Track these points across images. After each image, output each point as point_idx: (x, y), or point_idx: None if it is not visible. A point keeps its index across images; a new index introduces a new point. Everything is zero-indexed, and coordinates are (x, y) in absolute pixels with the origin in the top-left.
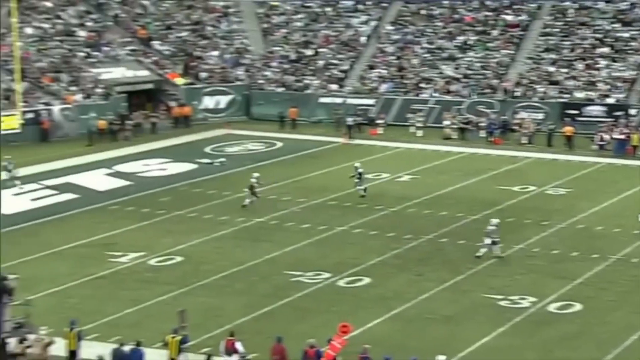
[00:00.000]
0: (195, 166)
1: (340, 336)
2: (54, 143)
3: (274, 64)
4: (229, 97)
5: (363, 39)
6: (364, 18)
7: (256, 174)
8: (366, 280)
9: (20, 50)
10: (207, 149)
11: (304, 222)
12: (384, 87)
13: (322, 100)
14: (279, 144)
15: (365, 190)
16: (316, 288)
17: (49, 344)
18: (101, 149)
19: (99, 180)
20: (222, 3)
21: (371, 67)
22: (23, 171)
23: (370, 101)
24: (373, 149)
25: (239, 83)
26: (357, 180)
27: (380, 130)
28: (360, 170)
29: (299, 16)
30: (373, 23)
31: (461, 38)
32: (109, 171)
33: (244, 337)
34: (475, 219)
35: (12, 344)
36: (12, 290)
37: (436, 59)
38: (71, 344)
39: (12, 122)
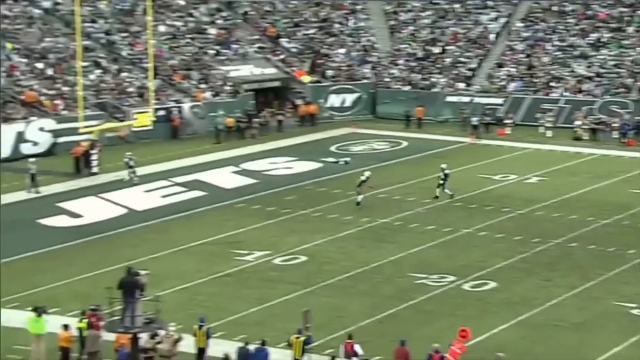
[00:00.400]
0: (320, 165)
1: (459, 341)
2: (183, 140)
3: (401, 61)
4: (354, 96)
5: (492, 37)
6: (493, 15)
7: (367, 173)
8: (492, 284)
9: (154, 48)
10: (332, 148)
11: (429, 224)
12: (512, 86)
13: (449, 99)
14: (405, 144)
15: (452, 195)
16: (441, 291)
17: (178, 340)
18: (228, 147)
19: (226, 178)
20: (350, 0)
21: (500, 65)
22: (153, 168)
23: (499, 100)
24: (500, 149)
25: (365, 81)
26: (441, 182)
27: (508, 130)
28: (446, 171)
29: (427, 13)
30: (502, 20)
31: (594, 35)
32: (236, 169)
33: (367, 339)
34: (606, 223)
35: (144, 339)
36: (144, 286)
37: (567, 57)
38: (200, 342)
39: (145, 119)
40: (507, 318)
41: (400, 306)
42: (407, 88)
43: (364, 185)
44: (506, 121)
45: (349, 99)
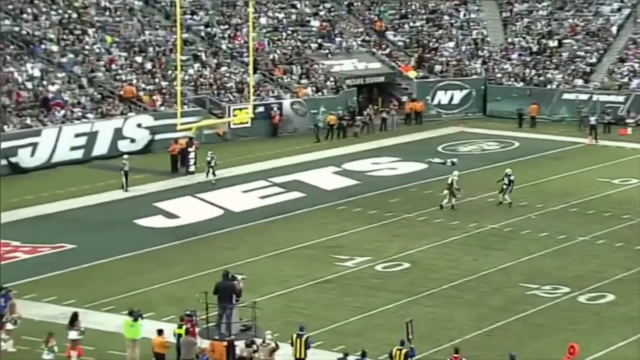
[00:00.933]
0: (425, 166)
1: (568, 358)
2: (283, 138)
3: (514, 56)
4: (464, 92)
5: (614, 29)
6: (615, 5)
7: (456, 172)
8: (610, 297)
9: (254, 41)
10: (439, 148)
11: (542, 230)
12: (635, 83)
13: (566, 96)
14: (516, 144)
15: (510, 203)
16: (553, 303)
17: (275, 349)
18: (330, 146)
19: (327, 179)
20: None
21: (622, 61)
22: (251, 167)
23: (620, 98)
24: (621, 151)
25: (475, 77)
26: (504, 187)
27: (630, 131)
28: (511, 177)
29: (543, 4)
30: (626, 11)
31: None
32: (337, 169)
33: (474, 352)
34: None
35: (240, 347)
36: (240, 292)
37: None
38: (299, 351)
39: (243, 116)
40: (626, 334)
41: (509, 318)
42: (520, 84)
43: (453, 188)
44: (628, 121)
45: (458, 95)
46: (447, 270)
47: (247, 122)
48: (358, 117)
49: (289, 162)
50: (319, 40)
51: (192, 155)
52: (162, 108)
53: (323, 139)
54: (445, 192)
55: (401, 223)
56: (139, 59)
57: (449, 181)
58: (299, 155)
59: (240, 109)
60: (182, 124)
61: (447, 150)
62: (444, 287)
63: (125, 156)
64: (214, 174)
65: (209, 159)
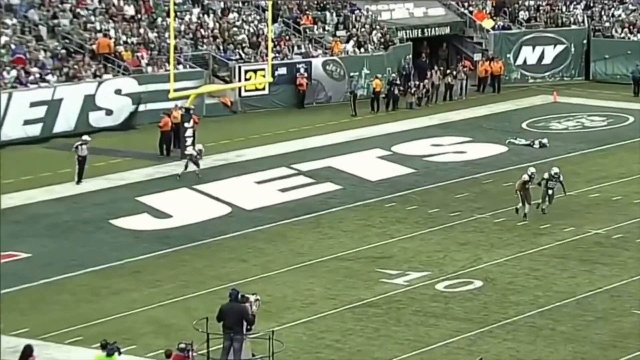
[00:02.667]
0: (505, 149)
1: None
2: (312, 110)
3: None
4: (558, 48)
5: None
6: None
7: (532, 169)
8: None
9: None
10: (524, 124)
11: None
12: None
13: None
14: (631, 119)
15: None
16: None
17: None
18: (375, 121)
19: (370, 166)
20: None
21: None
22: (269, 150)
23: None
24: None
25: (574, 27)
26: (545, 189)
27: None
28: (559, 177)
29: None
30: None
31: None
32: (384, 153)
33: None
34: None
35: None
36: (253, 318)
37: None
38: None
39: (259, 80)
40: None
41: (621, 359)
42: (637, 37)
43: (529, 188)
44: None
45: (550, 53)
46: (533, 291)
47: (263, 89)
48: (414, 83)
49: (320, 143)
50: None
51: (189, 133)
52: (149, 69)
53: (366, 111)
54: (521, 194)
55: (471, 226)
56: (117, 1)
57: (525, 178)
58: (333, 134)
59: (255, 71)
60: (176, 90)
61: (535, 127)
62: (529, 314)
63: (86, 137)
64: (197, 165)
65: (196, 150)
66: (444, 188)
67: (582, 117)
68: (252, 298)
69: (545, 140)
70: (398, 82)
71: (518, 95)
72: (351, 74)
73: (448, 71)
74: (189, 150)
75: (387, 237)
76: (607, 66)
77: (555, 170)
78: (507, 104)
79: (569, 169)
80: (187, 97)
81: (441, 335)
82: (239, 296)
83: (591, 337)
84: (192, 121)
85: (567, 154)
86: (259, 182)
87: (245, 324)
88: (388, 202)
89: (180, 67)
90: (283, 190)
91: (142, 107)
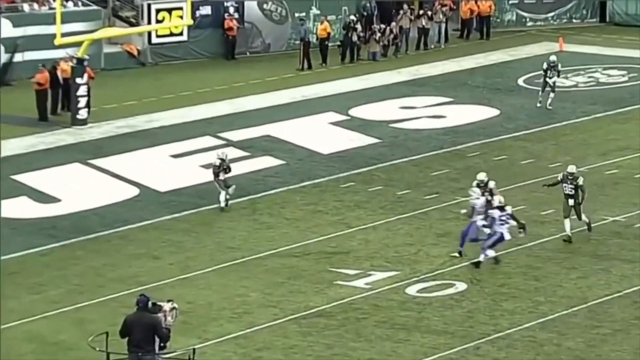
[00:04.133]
0: (496, 112)
1: None
2: (244, 62)
3: None
4: None
5: None
6: None
7: (572, 168)
8: None
9: None
10: (520, 80)
11: None
12: None
13: None
14: None
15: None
16: None
17: None
18: (327, 76)
19: (321, 134)
20: None
21: None
22: (188, 114)
23: None
24: None
25: None
26: (573, 202)
27: None
28: (579, 181)
29: None
30: None
31: None
32: (339, 117)
33: None
34: None
35: None
36: (168, 333)
37: None
38: None
39: (175, 22)
40: None
41: None
42: None
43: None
44: None
45: None
46: (532, 296)
47: (180, 34)
48: (378, 27)
49: (255, 105)
50: None
51: (81, 90)
52: (26, 6)
53: (316, 63)
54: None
55: (452, 213)
56: None
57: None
58: (272, 94)
59: (169, 11)
60: (64, 35)
61: (535, 84)
62: (527, 326)
63: None
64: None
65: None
66: (416, 163)
67: (596, 70)
68: (166, 306)
69: (550, 101)
70: (357, 26)
71: (513, 43)
72: (296, 14)
73: (422, 12)
74: (221, 177)
75: (344, 226)
76: (629, 5)
77: (571, 169)
78: (499, 53)
79: (578, 138)
80: (79, 44)
81: (414, 352)
82: (149, 304)
83: (607, 355)
84: (85, 76)
85: (576, 119)
86: (175, 156)
87: (157, 339)
88: (344, 181)
89: (70, 4)
90: (207, 166)
91: (18, 57)
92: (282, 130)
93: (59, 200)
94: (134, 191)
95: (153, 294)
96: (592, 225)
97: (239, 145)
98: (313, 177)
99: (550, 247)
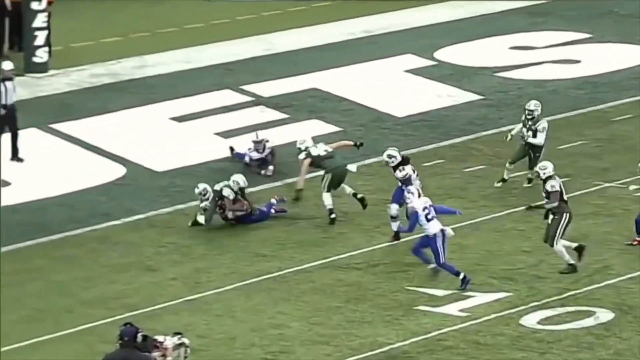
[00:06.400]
0: None
1: None
2: None
3: None
4: None
5: None
6: None
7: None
8: None
9: None
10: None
11: None
12: None
13: None
14: None
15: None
16: None
17: None
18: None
19: (388, 87)
20: None
21: None
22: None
23: None
24: None
25: None
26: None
27: None
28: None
29: None
30: None
31: None
32: (419, 62)
33: None
34: None
35: None
36: None
37: None
38: None
39: None
40: None
41: None
42: None
43: None
44: None
45: None
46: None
47: None
48: None
49: (295, 44)
50: None
51: (39, 21)
52: None
53: None
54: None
55: (591, 206)
56: None
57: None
58: (320, 27)
59: None
60: None
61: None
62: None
63: None
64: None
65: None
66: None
67: None
68: (168, 342)
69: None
70: None
71: None
72: None
73: None
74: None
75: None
76: None
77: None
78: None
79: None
80: None
81: None
82: (139, 337)
83: None
84: (44, 1)
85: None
86: (178, 119)
87: None
88: (429, 157)
89: None
90: (224, 134)
91: None
92: (335, 82)
93: (7, 184)
94: (118, 171)
95: (146, 323)
96: None
97: (272, 103)
98: (382, 150)
99: None
